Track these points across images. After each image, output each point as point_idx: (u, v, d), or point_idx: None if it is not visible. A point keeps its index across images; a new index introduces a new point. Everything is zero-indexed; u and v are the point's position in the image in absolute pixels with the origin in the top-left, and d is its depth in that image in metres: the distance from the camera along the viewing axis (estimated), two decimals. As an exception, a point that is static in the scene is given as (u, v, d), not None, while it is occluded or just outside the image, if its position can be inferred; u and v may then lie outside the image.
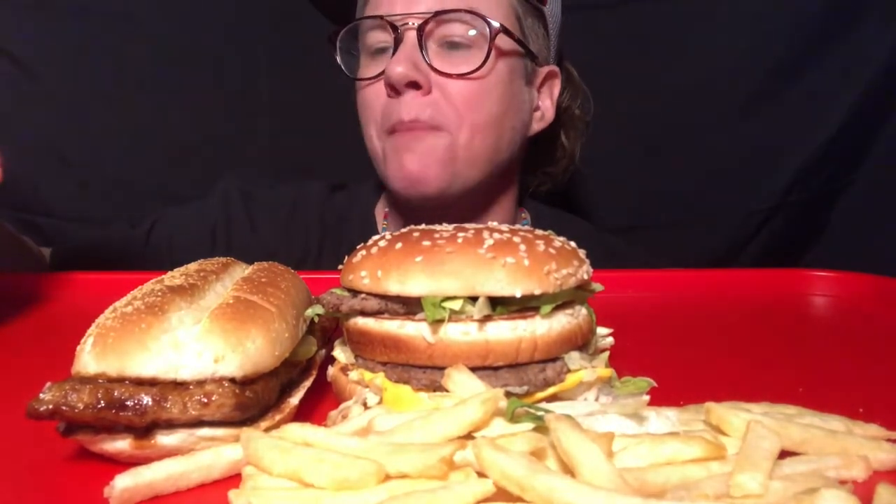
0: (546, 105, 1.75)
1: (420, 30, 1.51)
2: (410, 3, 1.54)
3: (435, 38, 1.54)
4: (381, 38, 1.58)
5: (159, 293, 0.77)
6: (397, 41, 1.52)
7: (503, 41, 1.55)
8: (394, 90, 1.53)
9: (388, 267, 0.78)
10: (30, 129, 2.24)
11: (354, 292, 0.82)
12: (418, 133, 1.54)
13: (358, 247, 0.86)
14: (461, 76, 1.53)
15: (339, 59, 1.64)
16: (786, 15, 2.17)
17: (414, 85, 1.51)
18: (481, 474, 0.59)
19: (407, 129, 1.54)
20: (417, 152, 1.55)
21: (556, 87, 1.75)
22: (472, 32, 1.54)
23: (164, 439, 0.71)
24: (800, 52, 2.19)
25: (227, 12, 2.27)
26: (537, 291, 0.76)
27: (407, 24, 1.52)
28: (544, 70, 1.70)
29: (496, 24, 1.52)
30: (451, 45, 1.54)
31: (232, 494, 0.61)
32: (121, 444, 0.71)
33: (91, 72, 2.26)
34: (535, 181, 1.91)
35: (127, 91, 2.29)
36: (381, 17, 1.54)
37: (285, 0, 2.21)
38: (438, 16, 1.51)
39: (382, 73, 1.54)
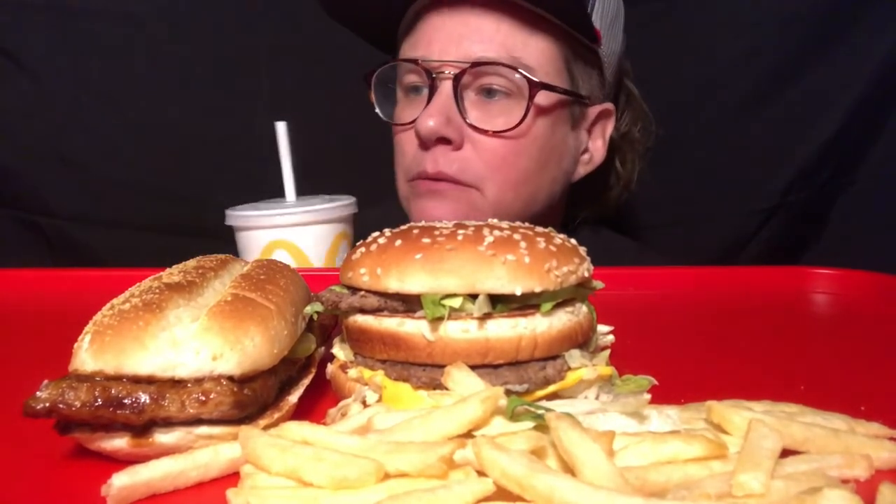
0: (597, 146, 1.66)
1: (456, 79, 1.44)
2: (448, 47, 1.46)
3: (472, 87, 1.48)
4: (417, 81, 1.52)
5: (157, 290, 0.76)
6: (432, 89, 1.45)
7: (545, 96, 1.47)
8: (423, 143, 1.47)
9: (387, 264, 0.78)
10: (30, 129, 2.25)
11: (354, 289, 0.82)
12: (442, 186, 1.48)
13: (357, 244, 0.86)
14: (496, 134, 1.46)
15: (374, 100, 1.58)
16: (786, 15, 2.16)
17: (444, 140, 1.46)
18: (481, 473, 0.58)
19: (431, 179, 1.48)
20: (440, 203, 1.49)
21: (610, 125, 1.66)
22: (511, 82, 1.46)
23: (162, 437, 0.70)
24: (800, 53, 2.19)
25: (227, 12, 2.27)
26: (538, 289, 0.76)
27: (443, 72, 1.45)
28: (596, 110, 1.61)
29: (536, 80, 1.44)
30: (490, 93, 1.47)
31: (230, 493, 0.61)
32: (118, 443, 0.70)
33: (91, 72, 2.26)
34: (582, 213, 1.82)
35: (127, 91, 2.29)
36: (417, 62, 1.48)
37: (286, 0, 2.21)
38: (476, 67, 1.44)
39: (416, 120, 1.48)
